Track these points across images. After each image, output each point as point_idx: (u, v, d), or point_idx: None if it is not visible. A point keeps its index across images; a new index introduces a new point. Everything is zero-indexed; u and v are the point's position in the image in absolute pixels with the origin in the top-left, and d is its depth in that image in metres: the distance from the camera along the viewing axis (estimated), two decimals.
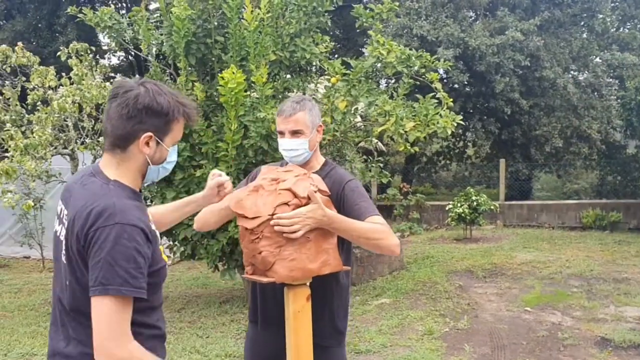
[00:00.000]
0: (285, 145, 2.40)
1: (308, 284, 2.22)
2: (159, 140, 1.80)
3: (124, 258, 1.63)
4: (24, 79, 7.13)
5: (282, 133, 2.41)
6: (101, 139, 7.38)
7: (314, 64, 7.00)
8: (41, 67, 7.00)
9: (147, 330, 1.80)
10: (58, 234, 1.83)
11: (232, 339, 5.62)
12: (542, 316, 6.26)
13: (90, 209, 1.68)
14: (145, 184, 1.90)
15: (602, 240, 10.76)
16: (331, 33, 16.32)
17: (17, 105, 7.00)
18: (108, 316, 1.63)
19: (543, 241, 10.63)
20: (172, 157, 1.88)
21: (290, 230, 2.10)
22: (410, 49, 6.53)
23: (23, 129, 6.72)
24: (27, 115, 6.96)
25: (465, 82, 14.29)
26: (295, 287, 2.19)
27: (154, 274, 1.77)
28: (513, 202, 13.50)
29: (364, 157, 9.10)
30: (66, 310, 1.78)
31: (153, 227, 1.82)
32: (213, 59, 6.55)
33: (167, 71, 7.04)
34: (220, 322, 6.31)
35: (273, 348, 2.39)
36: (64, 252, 1.76)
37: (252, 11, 6.00)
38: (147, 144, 1.78)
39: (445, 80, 14.16)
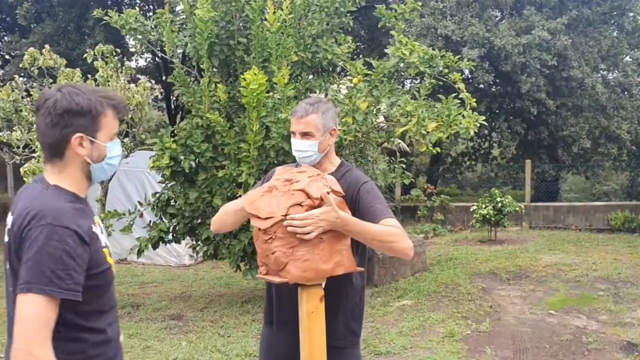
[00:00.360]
0: (296, 145, 2.43)
1: (322, 284, 2.22)
2: (92, 139, 1.78)
3: (51, 259, 1.63)
4: (51, 80, 7.27)
5: (293, 133, 2.44)
6: (126, 139, 7.49)
7: (336, 64, 7.00)
8: (67, 69, 7.13)
9: (94, 335, 1.79)
10: (6, 242, 1.83)
11: (252, 339, 5.65)
12: (566, 319, 6.16)
13: (27, 212, 1.70)
14: (97, 182, 1.91)
15: (630, 243, 10.55)
16: (355, 33, 16.30)
17: None
18: (29, 315, 1.61)
19: (569, 243, 10.47)
20: (114, 152, 1.86)
21: (303, 232, 2.11)
22: (434, 49, 6.50)
23: None
24: None
25: (491, 82, 14.13)
26: (308, 288, 2.20)
27: (97, 276, 1.76)
28: (539, 204, 13.31)
29: (387, 157, 9.08)
30: (11, 320, 1.73)
31: (96, 229, 1.81)
32: (236, 60, 6.60)
33: (192, 73, 7.12)
34: (241, 321, 6.35)
35: (288, 349, 2.39)
36: (7, 258, 1.76)
37: (274, 12, 6.03)
38: (81, 144, 1.77)
39: (470, 81, 14.04)
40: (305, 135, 2.39)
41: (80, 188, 1.84)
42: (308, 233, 2.11)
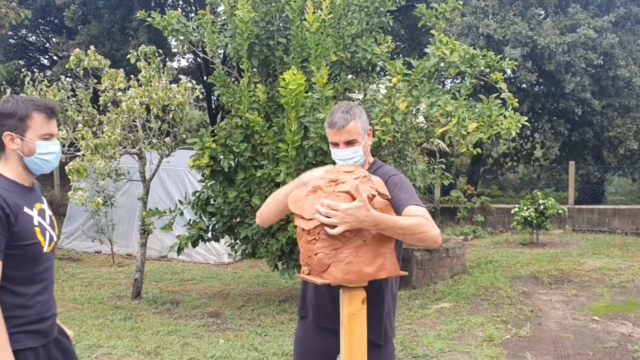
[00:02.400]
0: (340, 155, 2.42)
1: (365, 286, 2.20)
2: (21, 137, 2.21)
3: None
4: (95, 81, 7.43)
5: (336, 144, 2.43)
6: (167, 139, 7.60)
7: (376, 64, 6.96)
8: (111, 69, 7.27)
9: (14, 298, 2.18)
10: None
11: (289, 338, 5.66)
12: (611, 326, 5.99)
13: None
14: (37, 174, 2.30)
15: None
16: (395, 33, 16.21)
17: (89, 106, 7.30)
18: None
19: (614, 247, 10.17)
20: (45, 149, 2.25)
21: (328, 223, 2.06)
22: (476, 49, 6.40)
23: (94, 129, 6.99)
24: (98, 116, 7.25)
25: (534, 82, 13.87)
26: (351, 290, 2.17)
27: (23, 247, 2.18)
28: (583, 206, 12.98)
29: (427, 158, 8.99)
30: None
31: (30, 211, 2.23)
32: (275, 60, 6.63)
33: (232, 73, 7.18)
34: (278, 320, 6.38)
35: (325, 343, 2.43)
36: None
37: (313, 12, 6.04)
38: (13, 140, 2.22)
39: (512, 80, 13.81)
40: (349, 143, 2.40)
41: (22, 178, 2.28)
42: (333, 226, 2.06)
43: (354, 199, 2.09)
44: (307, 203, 2.18)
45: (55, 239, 2.37)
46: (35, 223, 2.24)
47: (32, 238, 2.21)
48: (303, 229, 2.16)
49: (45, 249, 2.27)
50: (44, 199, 2.39)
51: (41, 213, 2.30)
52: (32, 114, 2.21)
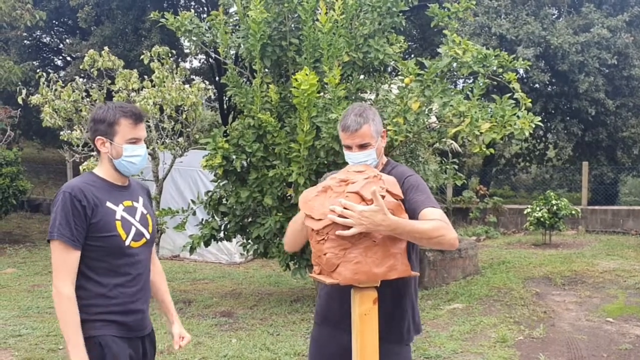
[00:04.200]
0: (354, 158, 2.41)
1: (377, 286, 2.20)
2: (110, 141, 2.38)
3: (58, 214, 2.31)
4: (109, 81, 7.48)
5: (349, 147, 2.42)
6: (180, 139, 7.64)
7: (388, 64, 6.95)
8: (125, 70, 7.32)
9: (96, 287, 2.35)
10: None
11: (301, 338, 5.67)
12: (625, 328, 5.94)
13: None
14: (127, 175, 2.46)
15: None
16: (407, 33, 16.16)
17: None
18: (53, 257, 2.32)
19: (629, 249, 10.09)
20: (131, 152, 2.40)
21: (343, 222, 2.07)
22: (488, 48, 6.37)
23: None
24: None
25: (547, 82, 13.79)
26: (362, 290, 2.17)
27: (103, 239, 2.33)
28: (596, 207, 12.88)
29: (439, 158, 8.96)
30: None
31: (115, 207, 2.38)
32: (287, 61, 6.64)
33: (244, 74, 7.20)
34: (290, 320, 6.39)
35: (338, 348, 2.42)
36: None
37: (326, 13, 6.04)
38: (103, 144, 2.39)
39: (525, 81, 13.73)
40: (362, 146, 2.39)
41: (114, 177, 2.44)
42: (348, 227, 2.07)
43: (363, 199, 2.08)
44: (317, 203, 2.18)
45: (146, 235, 2.48)
46: (118, 217, 2.38)
47: (111, 230, 2.35)
48: (312, 229, 2.17)
49: (128, 242, 2.39)
50: (140, 199, 2.52)
51: (130, 210, 2.43)
52: (120, 120, 2.37)
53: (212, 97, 9.14)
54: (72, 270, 2.29)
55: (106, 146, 2.39)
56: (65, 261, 2.28)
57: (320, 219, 2.14)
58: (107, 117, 2.37)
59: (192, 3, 20.53)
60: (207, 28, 7.01)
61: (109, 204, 2.37)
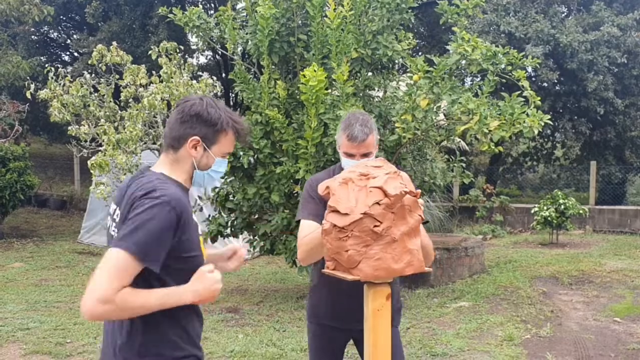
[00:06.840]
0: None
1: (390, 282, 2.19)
2: (206, 147, 2.03)
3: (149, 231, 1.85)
4: (117, 76, 7.50)
5: (352, 155, 2.50)
6: None
7: (396, 61, 6.93)
8: (133, 65, 7.34)
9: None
10: (110, 230, 2.03)
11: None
12: (633, 328, 5.91)
13: (140, 187, 1.93)
14: (195, 186, 2.12)
15: None
16: (415, 30, 16.11)
17: (111, 101, 7.37)
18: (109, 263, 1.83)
19: (636, 249, 10.03)
20: (219, 167, 2.10)
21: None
22: (497, 46, 6.34)
23: (116, 124, 7.06)
24: (120, 112, 7.31)
25: (555, 81, 13.72)
26: (376, 286, 2.15)
27: (182, 259, 1.93)
28: (604, 207, 12.82)
29: (446, 156, 8.93)
30: None
31: (194, 218, 2.01)
32: (295, 57, 6.63)
33: (252, 70, 7.19)
34: (296, 316, 6.39)
35: (340, 341, 2.57)
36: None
37: (334, 9, 6.02)
38: (195, 147, 2.01)
39: (533, 79, 13.67)
40: (365, 155, 2.49)
41: (188, 184, 2.08)
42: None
43: (386, 195, 2.06)
44: (342, 196, 2.11)
45: None
46: (200, 232, 2.06)
47: (197, 250, 2.01)
48: (334, 225, 2.08)
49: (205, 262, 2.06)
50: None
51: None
52: (229, 131, 2.06)
53: (219, 93, 9.14)
54: (125, 281, 1.83)
55: (198, 150, 2.02)
56: (126, 270, 1.82)
57: (346, 214, 2.07)
58: (219, 122, 2.02)
59: None
60: (215, 24, 7.00)
61: (194, 217, 2.00)
